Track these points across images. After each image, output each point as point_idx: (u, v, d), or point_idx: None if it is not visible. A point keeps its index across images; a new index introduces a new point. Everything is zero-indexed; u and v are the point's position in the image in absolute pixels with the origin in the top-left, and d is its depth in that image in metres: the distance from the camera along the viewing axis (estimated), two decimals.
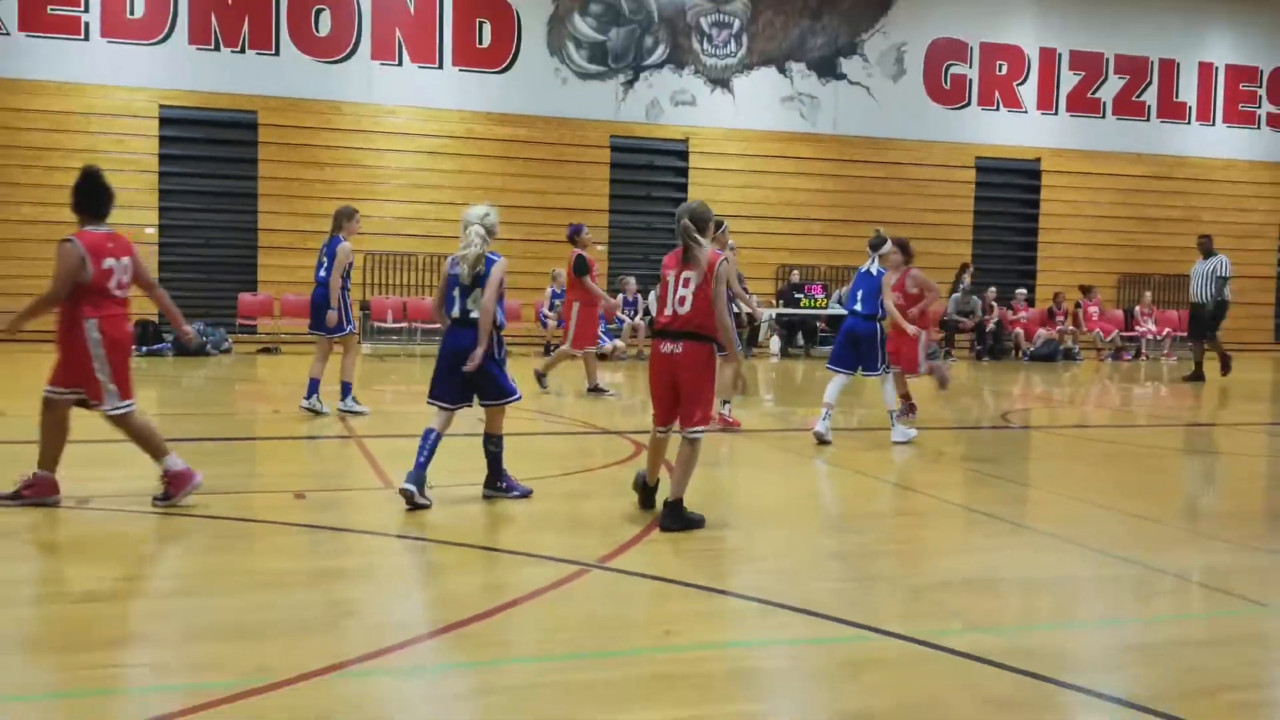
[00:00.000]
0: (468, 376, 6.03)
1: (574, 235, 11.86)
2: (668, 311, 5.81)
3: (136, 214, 17.21)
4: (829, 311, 19.45)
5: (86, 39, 17.59)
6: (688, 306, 5.71)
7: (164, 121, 17.88)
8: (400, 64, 18.99)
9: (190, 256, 17.66)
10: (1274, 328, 24.20)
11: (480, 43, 19.36)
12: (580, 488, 6.99)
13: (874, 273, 9.08)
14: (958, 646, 3.92)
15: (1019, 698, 3.55)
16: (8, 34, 17.28)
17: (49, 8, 17.40)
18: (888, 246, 9.26)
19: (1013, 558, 5.45)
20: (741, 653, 3.98)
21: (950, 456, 8.88)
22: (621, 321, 18.13)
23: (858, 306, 9.03)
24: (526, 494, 6.30)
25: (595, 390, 11.67)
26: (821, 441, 8.57)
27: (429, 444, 6.00)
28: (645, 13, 20.28)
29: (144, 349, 15.54)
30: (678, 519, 5.60)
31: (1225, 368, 15.51)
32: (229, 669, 3.61)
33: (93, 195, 5.91)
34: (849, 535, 5.86)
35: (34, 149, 17.19)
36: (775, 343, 19.15)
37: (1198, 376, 15.42)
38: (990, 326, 19.96)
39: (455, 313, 6.12)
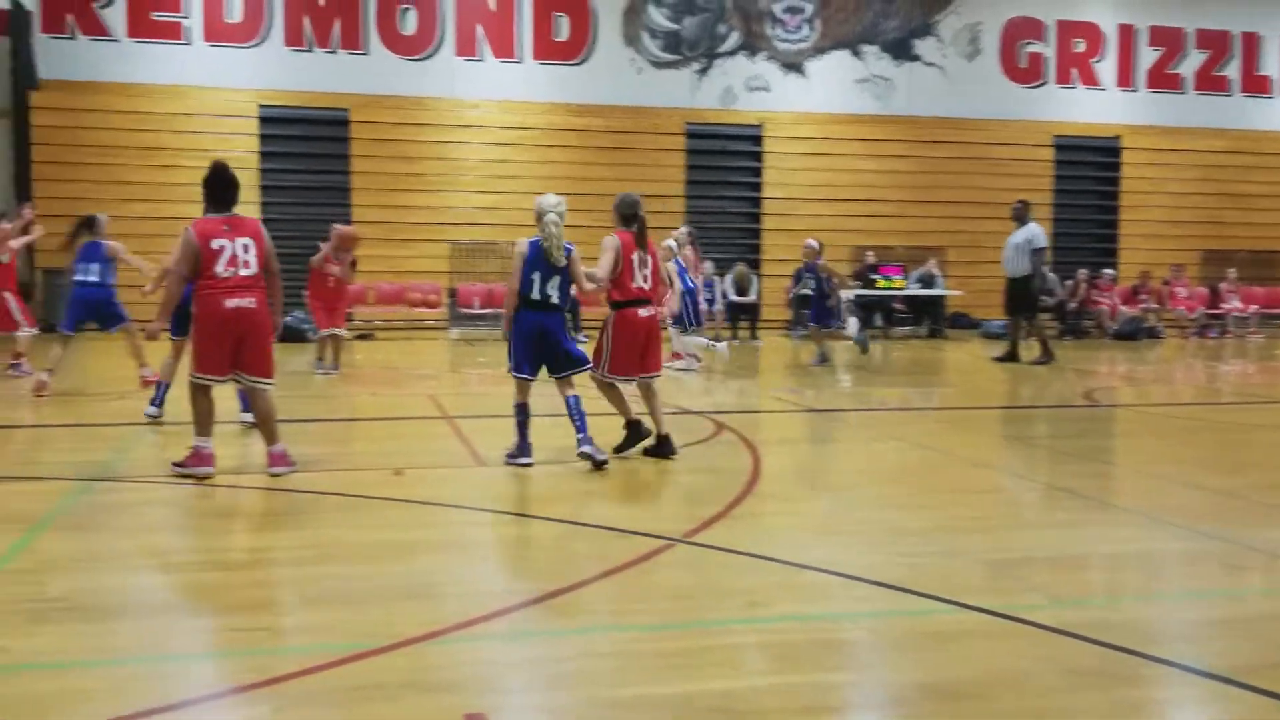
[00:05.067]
0: (548, 350, 6.66)
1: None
2: (645, 284, 6.98)
3: (240, 209, 17.87)
4: (906, 292, 19.37)
5: (189, 44, 18.31)
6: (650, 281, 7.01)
7: (263, 120, 18.52)
8: (481, 59, 19.38)
9: (289, 248, 18.18)
10: None
11: (557, 36, 19.64)
12: (662, 465, 7.18)
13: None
14: (1041, 620, 3.96)
15: (1105, 669, 3.58)
16: (117, 40, 18.06)
17: (153, 14, 18.14)
18: None
19: (1096, 533, 5.48)
20: (824, 624, 4.07)
21: (1032, 434, 8.90)
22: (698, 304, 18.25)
23: None
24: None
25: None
26: None
27: (575, 410, 6.67)
28: (718, 1, 20.36)
29: None
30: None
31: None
32: (339, 633, 3.86)
33: (211, 185, 6.39)
34: (928, 511, 5.94)
35: (144, 149, 17.95)
36: (853, 324, 19.11)
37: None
38: (1072, 305, 19.70)
39: (536, 295, 6.58)
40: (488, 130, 19.40)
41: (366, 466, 6.97)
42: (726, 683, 3.50)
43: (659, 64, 20.21)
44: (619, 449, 7.03)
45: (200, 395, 6.32)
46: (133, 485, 6.24)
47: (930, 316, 19.65)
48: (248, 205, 18.15)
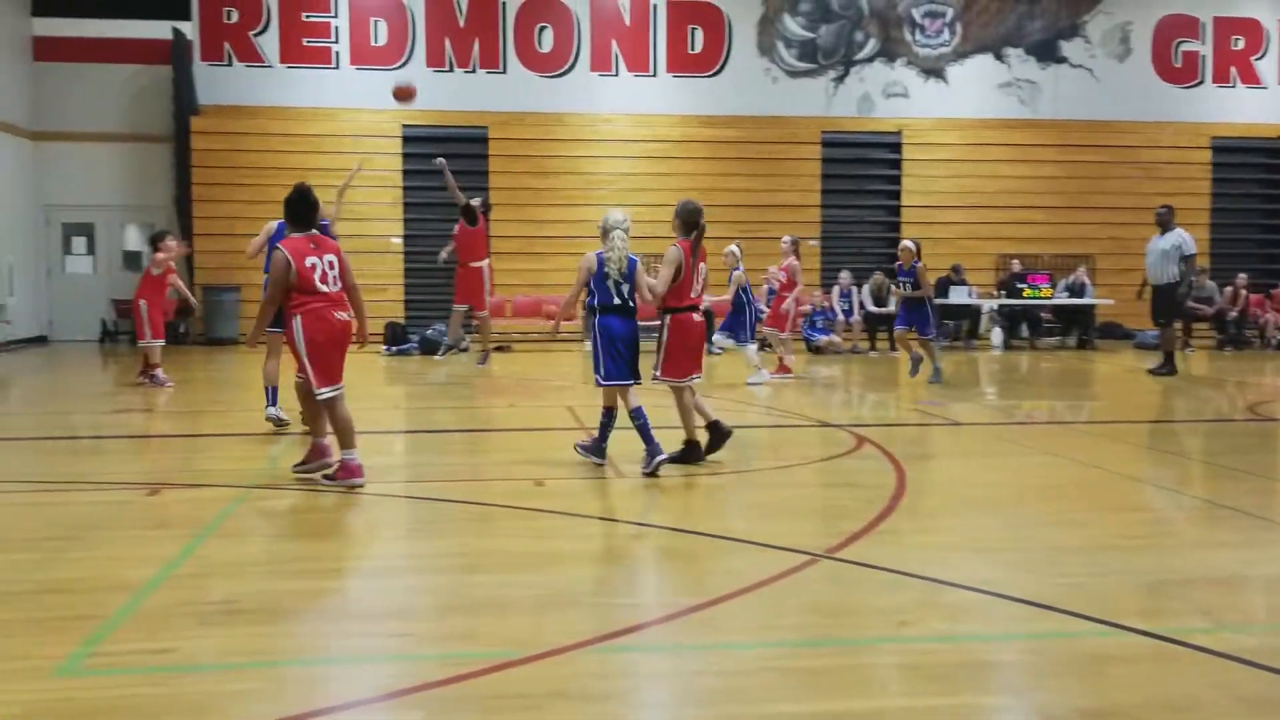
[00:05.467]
0: (635, 351, 6.93)
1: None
2: (701, 291, 7.26)
3: (384, 225, 18.58)
4: (1054, 301, 18.72)
5: (337, 68, 19.06)
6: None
7: (406, 139, 19.10)
8: (616, 74, 19.58)
9: (432, 263, 18.74)
10: None
11: (692, 48, 19.71)
12: (803, 479, 7.11)
13: None
14: (1207, 644, 3.78)
15: (1277, 698, 3.42)
16: (270, 66, 18.92)
17: (304, 40, 18.96)
18: None
19: (1264, 554, 5.20)
20: (976, 645, 3.96)
21: (1191, 450, 8.48)
22: (834, 315, 18.03)
23: None
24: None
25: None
26: None
27: (642, 422, 6.83)
28: (855, 8, 20.12)
29: (392, 349, 16.71)
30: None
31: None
32: (489, 641, 3.92)
33: (296, 206, 6.63)
34: (1081, 529, 5.71)
35: (294, 169, 18.67)
36: (997, 334, 18.61)
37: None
38: (1232, 314, 18.72)
39: (618, 300, 6.92)
40: (622, 144, 19.57)
41: (508, 477, 7.09)
42: (874, 702, 3.44)
43: (794, 73, 20.07)
44: (708, 453, 7.17)
45: (337, 408, 6.50)
46: (286, 492, 6.47)
47: (1079, 327, 18.94)
48: (392, 222, 18.88)
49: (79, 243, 19.49)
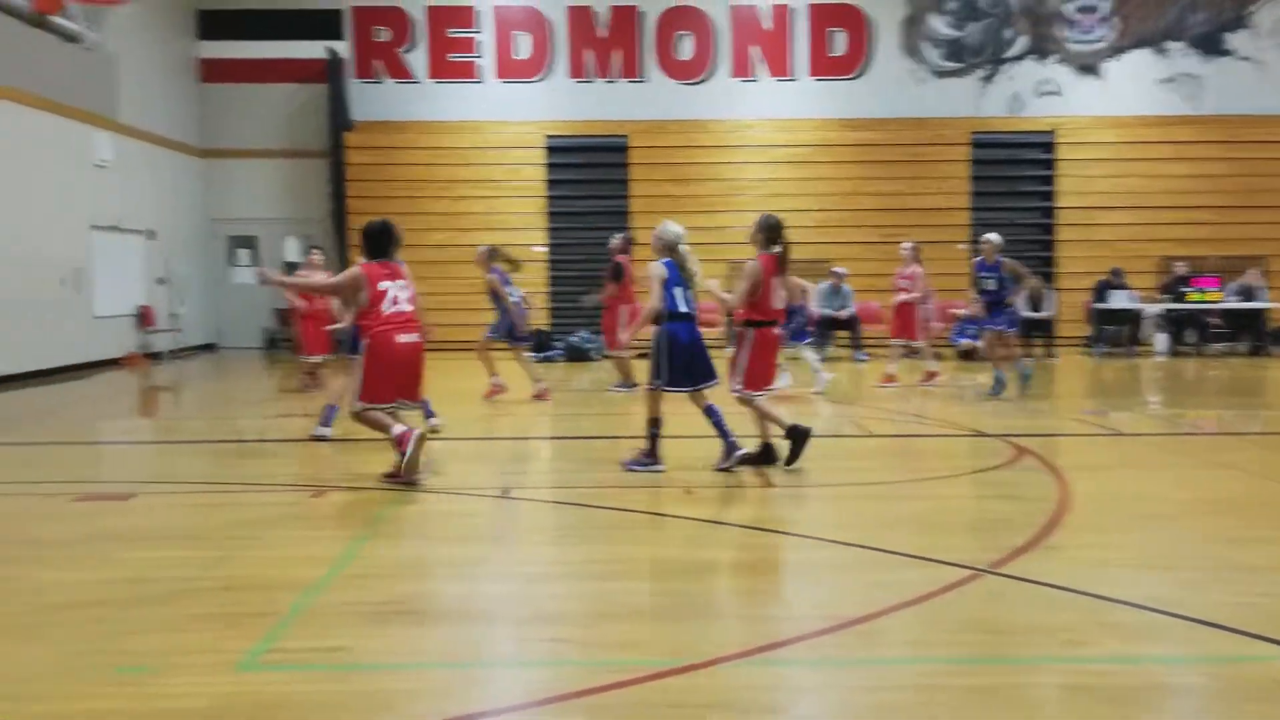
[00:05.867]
0: (700, 356, 7.24)
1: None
2: (782, 305, 7.42)
3: (528, 235, 18.93)
4: (1223, 305, 17.79)
5: (482, 81, 19.55)
6: None
7: (549, 150, 19.45)
8: (757, 79, 19.51)
9: (574, 270, 19.01)
10: None
11: (833, 51, 19.48)
12: (960, 490, 6.92)
13: None
14: None
15: None
16: (419, 82, 19.55)
17: (450, 56, 19.52)
18: None
19: None
20: (1154, 668, 3.78)
21: None
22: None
23: None
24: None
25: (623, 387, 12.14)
26: None
27: (716, 419, 7.22)
28: (1003, 5, 19.56)
29: (539, 355, 17.01)
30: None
31: None
32: (645, 649, 3.93)
33: (376, 237, 7.07)
34: (1258, 546, 5.39)
35: (443, 181, 19.31)
36: (1161, 340, 17.77)
37: None
38: None
39: (685, 308, 7.23)
40: (763, 149, 19.48)
41: (656, 484, 7.11)
42: None
43: (941, 73, 19.63)
44: (790, 461, 7.24)
45: (372, 418, 6.86)
46: (441, 496, 6.64)
47: (1251, 332, 17.93)
48: (536, 231, 19.23)
49: (243, 254, 20.47)
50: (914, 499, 6.49)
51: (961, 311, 16.65)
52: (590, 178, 19.65)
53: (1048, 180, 19.52)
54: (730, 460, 7.15)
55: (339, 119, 19.35)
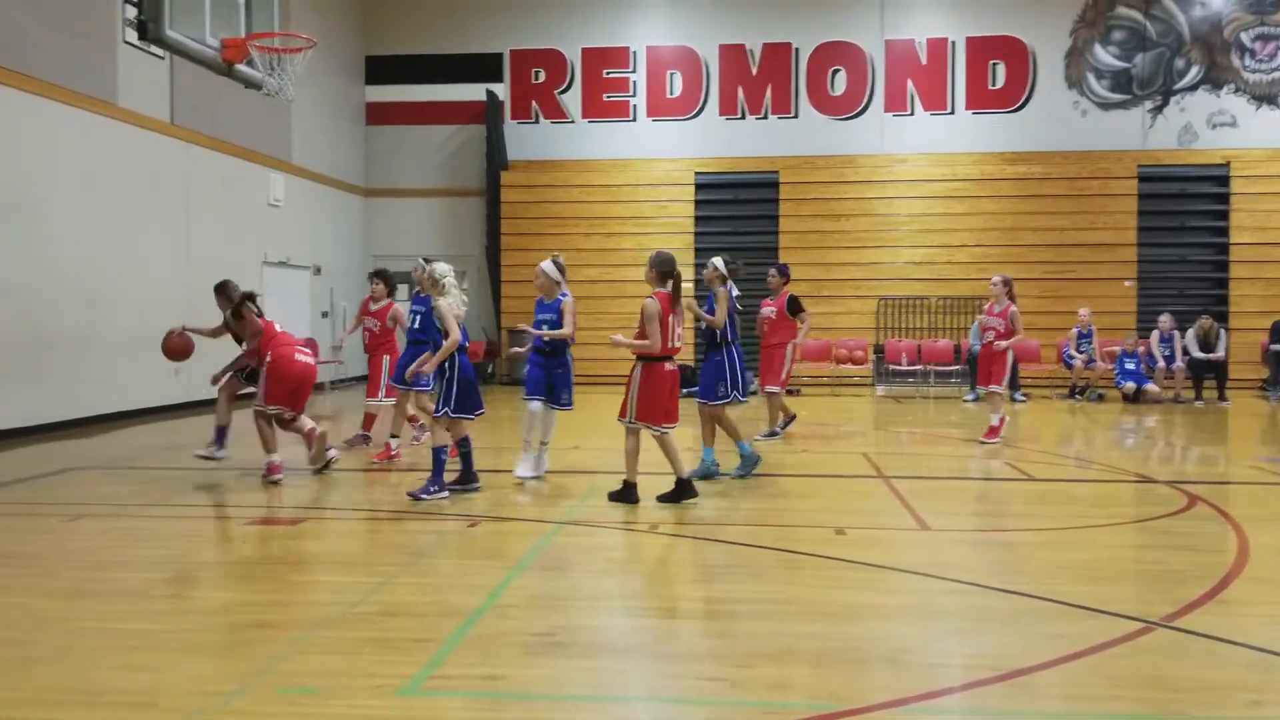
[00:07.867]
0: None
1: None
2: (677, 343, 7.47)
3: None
4: None
5: (634, 120, 19.89)
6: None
7: (698, 186, 19.62)
8: (912, 113, 19.26)
9: None
10: None
11: (993, 84, 19.09)
12: (1129, 539, 6.60)
13: None
14: None
15: None
16: (573, 122, 20.03)
17: (605, 96, 19.94)
18: None
19: None
20: None
21: None
22: (1154, 361, 16.73)
23: None
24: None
25: (771, 434, 11.47)
26: None
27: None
28: (1174, 34, 18.82)
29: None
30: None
31: None
32: (799, 692, 3.86)
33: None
34: None
35: (595, 218, 19.67)
36: None
37: None
38: None
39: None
40: (916, 184, 19.17)
41: (806, 524, 7.01)
42: None
43: (1106, 105, 18.99)
44: (660, 497, 7.49)
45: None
46: (593, 529, 6.69)
47: None
48: (684, 267, 19.27)
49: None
50: (1081, 547, 6.21)
51: (1115, 349, 15.98)
52: (739, 214, 19.71)
53: (1222, 215, 18.62)
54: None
55: (495, 158, 19.94)
